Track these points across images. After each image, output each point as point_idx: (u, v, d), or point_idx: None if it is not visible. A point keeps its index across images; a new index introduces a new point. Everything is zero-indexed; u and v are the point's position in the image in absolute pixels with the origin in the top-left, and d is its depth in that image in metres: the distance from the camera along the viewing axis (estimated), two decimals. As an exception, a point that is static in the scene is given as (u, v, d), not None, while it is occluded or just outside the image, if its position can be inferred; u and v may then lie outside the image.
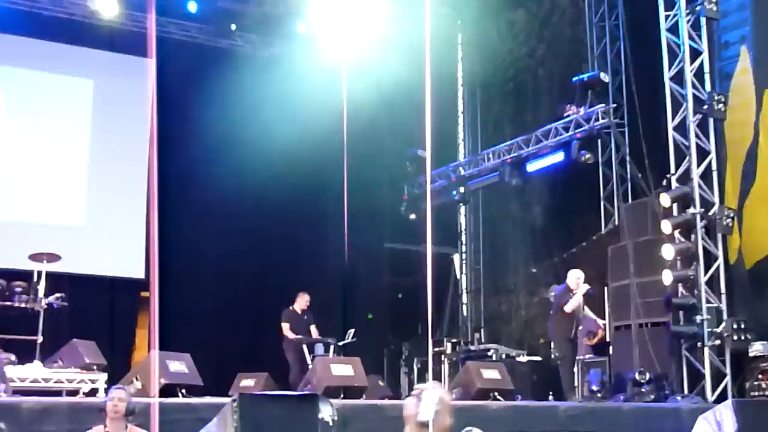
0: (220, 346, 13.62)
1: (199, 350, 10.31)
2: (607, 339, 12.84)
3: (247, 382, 10.59)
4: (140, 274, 13.59)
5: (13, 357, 9.61)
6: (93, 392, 9.46)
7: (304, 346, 12.04)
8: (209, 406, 7.48)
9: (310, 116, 14.16)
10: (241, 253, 14.56)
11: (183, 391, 8.97)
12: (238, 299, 14.36)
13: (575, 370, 11.46)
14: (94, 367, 9.93)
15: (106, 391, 8.16)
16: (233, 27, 14.96)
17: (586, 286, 10.89)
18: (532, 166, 14.34)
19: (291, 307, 12.32)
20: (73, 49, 14.10)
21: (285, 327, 12.11)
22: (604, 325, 12.61)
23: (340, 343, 12.34)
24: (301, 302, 12.41)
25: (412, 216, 16.22)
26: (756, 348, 10.99)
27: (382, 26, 14.12)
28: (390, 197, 16.53)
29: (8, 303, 10.49)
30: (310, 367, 10.79)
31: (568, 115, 13.48)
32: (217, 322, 14.20)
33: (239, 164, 13.98)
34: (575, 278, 10.94)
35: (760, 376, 10.84)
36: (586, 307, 11.71)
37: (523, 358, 13.30)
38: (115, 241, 13.83)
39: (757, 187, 12.00)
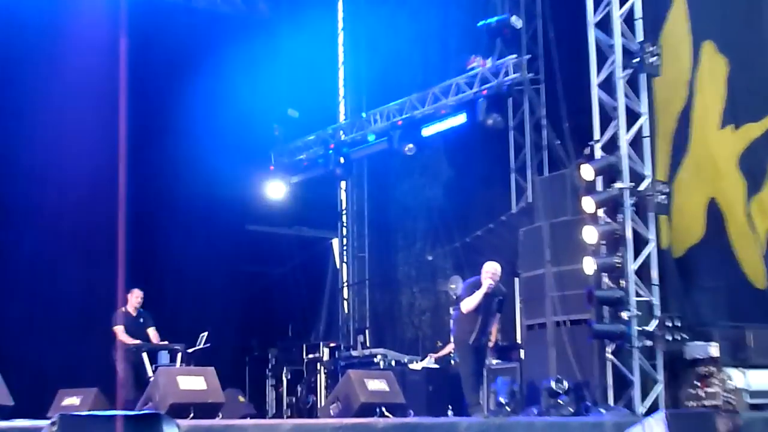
0: (37, 360, 13.40)
1: (13, 366, 10.17)
2: (518, 340, 13.06)
3: (71, 401, 10.47)
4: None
5: None
6: None
7: (144, 355, 12.02)
8: (22, 431, 7.33)
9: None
10: (57, 253, 14.22)
11: (-11, 413, 8.80)
12: (58, 305, 14.07)
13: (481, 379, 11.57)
14: None
15: None
16: None
17: (489, 282, 10.74)
18: (428, 131, 14.37)
19: (123, 308, 12.23)
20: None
21: (119, 330, 12.03)
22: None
23: (190, 350, 12.33)
24: (133, 300, 12.42)
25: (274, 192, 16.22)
26: (692, 350, 11.32)
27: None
28: (255, 169, 16.38)
29: None
30: (151, 380, 10.72)
31: (473, 68, 13.56)
32: (33, 332, 13.92)
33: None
34: (487, 271, 10.89)
35: (697, 383, 11.17)
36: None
37: (417, 366, 13.40)
38: None
39: (690, 159, 12.22)
